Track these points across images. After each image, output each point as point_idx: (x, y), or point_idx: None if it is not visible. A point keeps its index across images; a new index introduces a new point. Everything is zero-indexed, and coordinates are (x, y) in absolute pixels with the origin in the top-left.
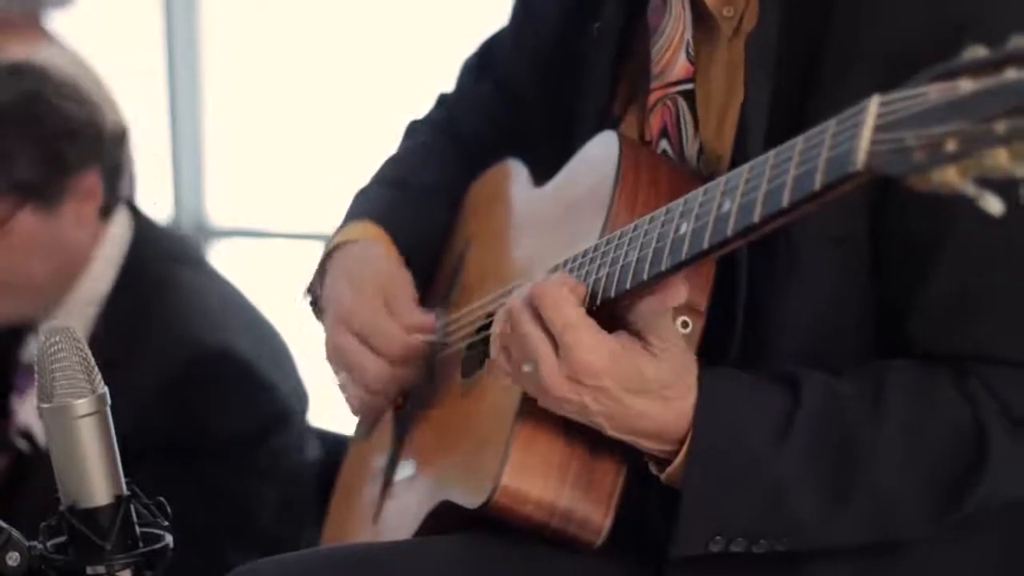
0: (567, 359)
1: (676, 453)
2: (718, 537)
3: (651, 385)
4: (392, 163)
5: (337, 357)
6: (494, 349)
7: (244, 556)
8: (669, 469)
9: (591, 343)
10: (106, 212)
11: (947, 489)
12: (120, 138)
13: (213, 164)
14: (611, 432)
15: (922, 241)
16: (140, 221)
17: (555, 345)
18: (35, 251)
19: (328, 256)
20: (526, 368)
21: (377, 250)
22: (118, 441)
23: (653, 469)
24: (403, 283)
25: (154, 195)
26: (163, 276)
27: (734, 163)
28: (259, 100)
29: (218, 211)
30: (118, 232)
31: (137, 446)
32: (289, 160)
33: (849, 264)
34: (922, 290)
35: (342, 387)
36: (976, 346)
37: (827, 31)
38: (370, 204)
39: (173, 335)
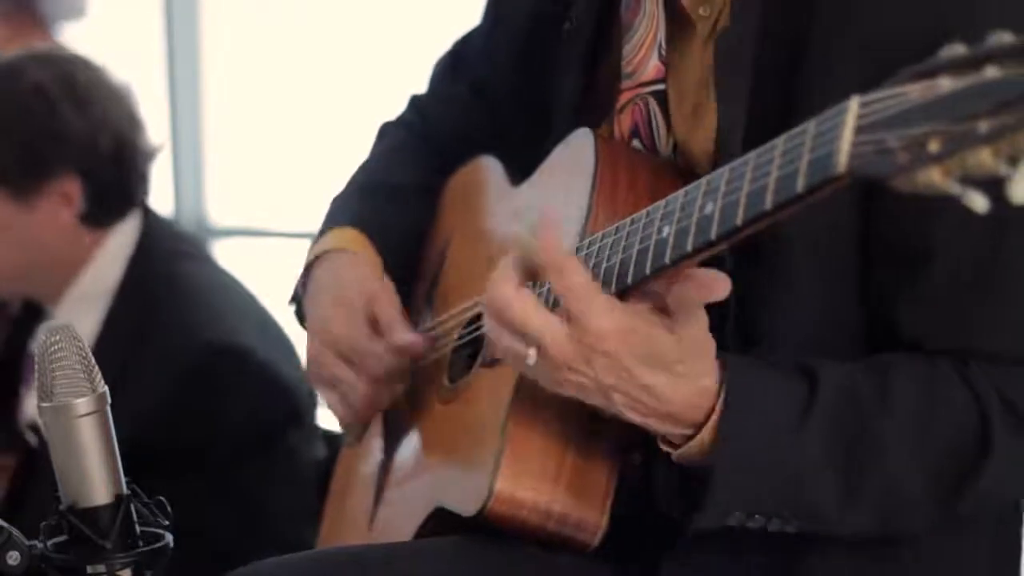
0: (577, 325)
1: (690, 437)
2: (737, 513)
3: (662, 358)
4: (365, 168)
5: (323, 378)
6: (492, 346)
7: (260, 558)
8: (684, 450)
9: (604, 305)
10: (90, 221)
11: (952, 480)
12: (117, 154)
13: (213, 164)
14: (625, 411)
15: (914, 236)
16: (149, 217)
17: (562, 316)
18: (4, 236)
19: (311, 265)
20: (529, 359)
21: (360, 261)
22: (135, 443)
23: (664, 447)
24: (387, 297)
25: (154, 195)
26: (172, 272)
27: (713, 164)
28: (259, 100)
29: (218, 211)
30: (126, 228)
31: (154, 447)
32: (289, 160)
33: (839, 252)
34: (917, 286)
35: (330, 405)
36: (974, 342)
37: (810, 29)
38: (348, 210)
39: (186, 333)
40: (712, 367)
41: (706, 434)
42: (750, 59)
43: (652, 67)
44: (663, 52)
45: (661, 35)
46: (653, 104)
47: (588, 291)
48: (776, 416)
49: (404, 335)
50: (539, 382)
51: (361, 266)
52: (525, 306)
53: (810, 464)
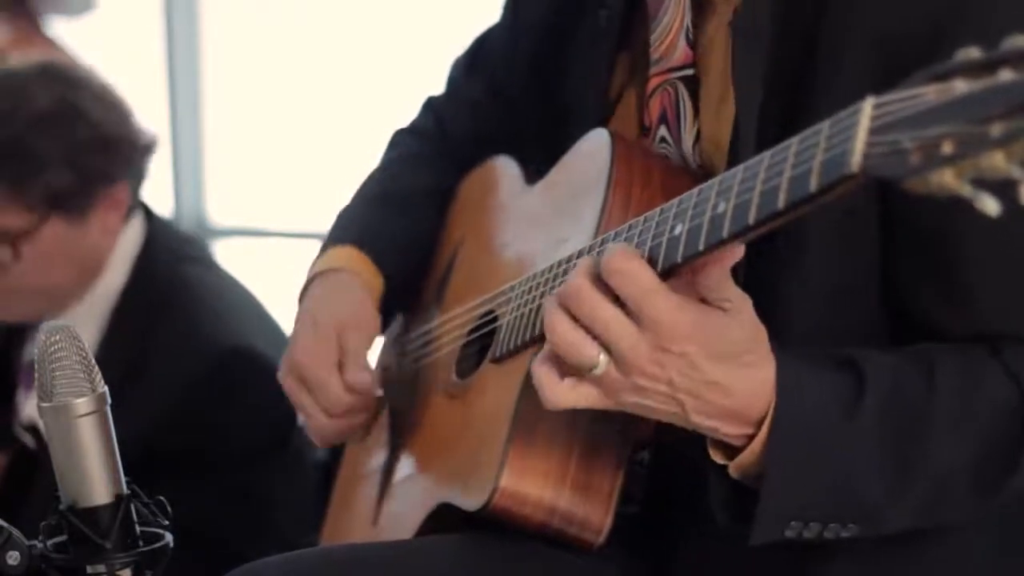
0: (653, 329)
1: (751, 437)
2: (794, 523)
3: (733, 348)
4: (373, 177)
5: (288, 395)
6: (541, 360)
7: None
8: (743, 455)
9: (675, 305)
10: (129, 215)
11: (995, 473)
12: (150, 147)
13: (213, 164)
14: (692, 416)
15: (938, 224)
16: (152, 221)
17: (631, 319)
18: (59, 259)
19: (309, 284)
20: (598, 370)
21: (352, 285)
22: (140, 447)
23: (718, 458)
24: (360, 329)
25: (154, 195)
26: (176, 276)
27: (731, 150)
28: (259, 100)
29: (218, 211)
30: (130, 231)
31: (160, 450)
32: (289, 160)
33: (858, 236)
34: (942, 274)
35: (303, 425)
36: (1004, 327)
37: (821, 15)
38: (351, 226)
39: (190, 337)
40: (770, 356)
41: (764, 431)
42: (766, 45)
43: (680, 52)
44: (691, 36)
45: (688, 20)
46: (682, 89)
47: (660, 292)
48: (824, 411)
49: (356, 373)
50: (595, 398)
51: (349, 292)
52: (606, 310)
53: (861, 458)
